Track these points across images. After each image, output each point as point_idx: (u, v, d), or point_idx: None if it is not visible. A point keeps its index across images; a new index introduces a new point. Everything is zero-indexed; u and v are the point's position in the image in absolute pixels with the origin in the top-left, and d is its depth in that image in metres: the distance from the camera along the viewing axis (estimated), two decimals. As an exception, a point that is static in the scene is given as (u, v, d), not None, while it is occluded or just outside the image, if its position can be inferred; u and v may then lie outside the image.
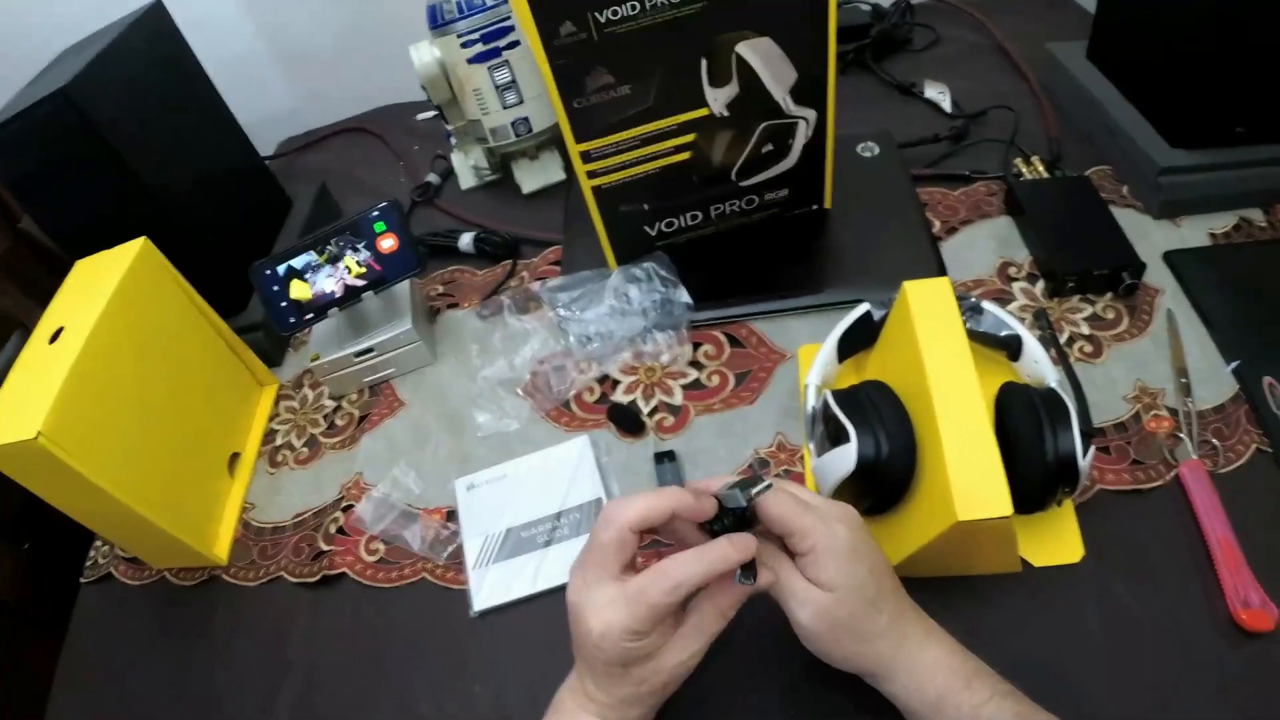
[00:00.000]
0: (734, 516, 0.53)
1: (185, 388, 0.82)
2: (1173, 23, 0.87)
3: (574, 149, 0.76)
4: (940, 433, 0.56)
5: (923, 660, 0.53)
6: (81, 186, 0.85)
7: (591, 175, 0.79)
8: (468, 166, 1.13)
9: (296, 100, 1.39)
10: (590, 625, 0.51)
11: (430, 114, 1.28)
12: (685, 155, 0.80)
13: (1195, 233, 0.89)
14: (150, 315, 0.79)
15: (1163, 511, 0.68)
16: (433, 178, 1.15)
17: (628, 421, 0.80)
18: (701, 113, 0.77)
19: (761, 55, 0.74)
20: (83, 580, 0.85)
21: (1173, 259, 0.86)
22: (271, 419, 0.93)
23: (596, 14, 0.67)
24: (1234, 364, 0.76)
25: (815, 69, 0.76)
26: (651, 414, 0.81)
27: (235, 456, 0.88)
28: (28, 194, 0.89)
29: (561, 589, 0.65)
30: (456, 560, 0.75)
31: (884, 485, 0.62)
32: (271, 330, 0.96)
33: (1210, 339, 0.79)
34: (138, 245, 0.79)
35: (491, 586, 0.71)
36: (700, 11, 0.69)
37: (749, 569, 0.51)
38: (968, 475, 0.54)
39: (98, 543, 0.88)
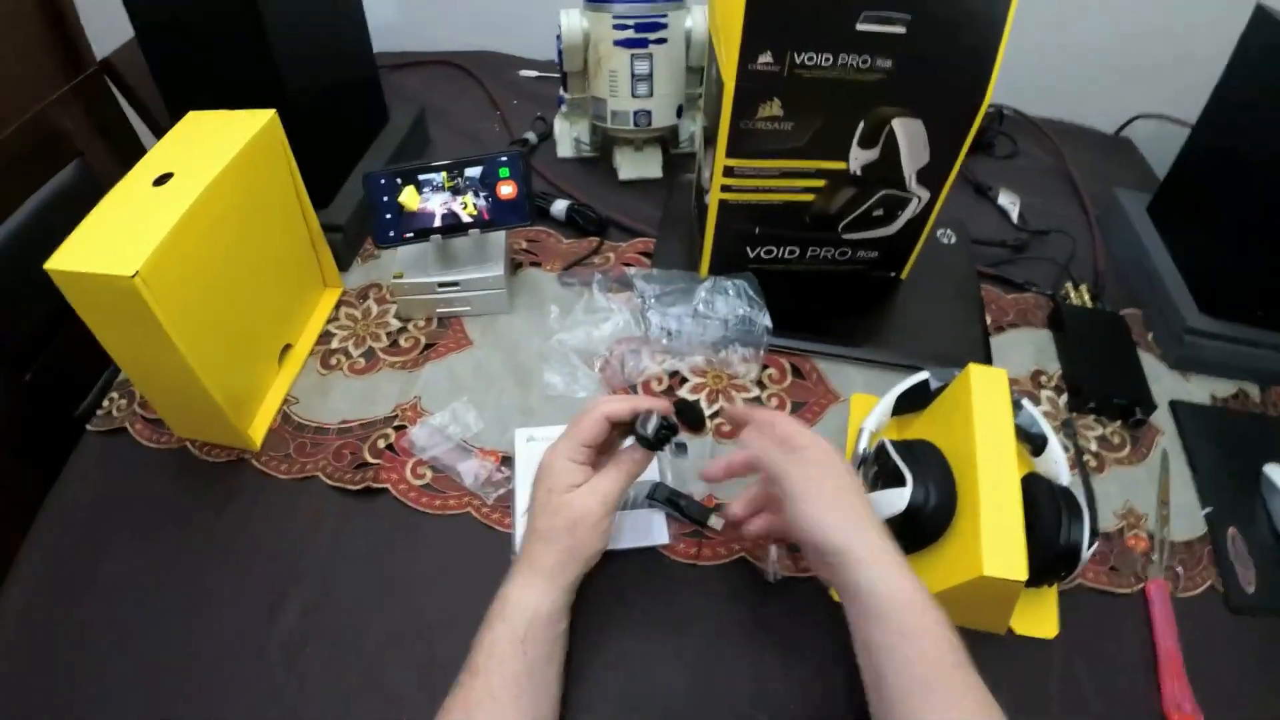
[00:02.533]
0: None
1: (266, 268, 0.82)
2: (1228, 210, 0.97)
3: (721, 161, 0.81)
4: (980, 497, 0.64)
5: (898, 565, 0.58)
6: (215, 41, 0.84)
7: (725, 189, 0.84)
8: (570, 137, 1.16)
9: (394, 17, 1.39)
10: (548, 460, 0.66)
11: (534, 73, 1.30)
12: (810, 196, 0.86)
13: (1200, 389, 0.98)
14: (260, 187, 0.79)
15: (1127, 615, 0.77)
16: (530, 136, 1.18)
17: (691, 415, 0.83)
18: (840, 165, 0.83)
19: (909, 134, 0.80)
20: (89, 427, 0.83)
21: (1177, 408, 0.95)
22: (330, 321, 0.93)
23: (795, 54, 0.73)
24: (1207, 509, 0.86)
25: (946, 158, 0.83)
26: (713, 416, 0.86)
27: (288, 348, 0.88)
28: (151, 32, 0.85)
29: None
30: (505, 504, 0.77)
31: (923, 529, 0.69)
32: (350, 235, 0.98)
33: (1193, 483, 0.88)
34: (267, 115, 0.78)
35: (537, 535, 0.75)
36: (879, 82, 0.75)
37: (682, 447, 0.68)
38: (997, 539, 0.63)
39: (114, 394, 0.85)
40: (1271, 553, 0.83)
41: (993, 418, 0.69)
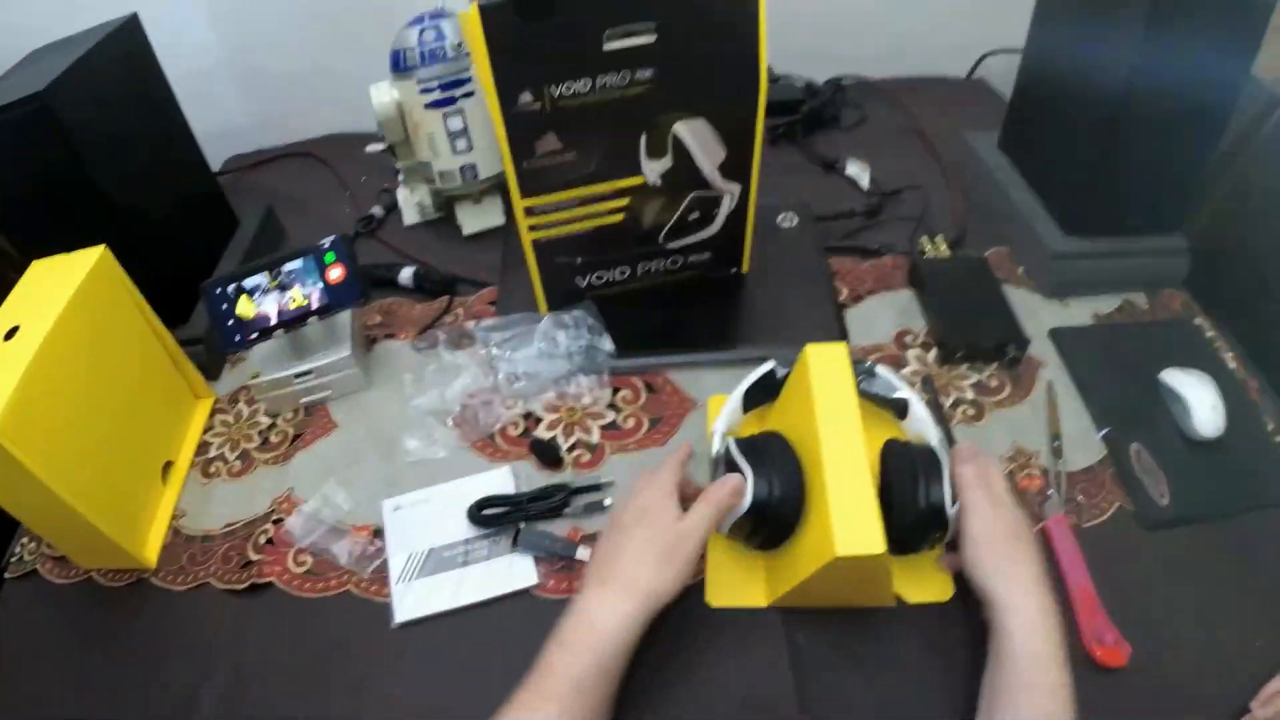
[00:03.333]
0: None
1: (128, 394, 0.84)
2: (1072, 124, 0.96)
3: (518, 203, 0.82)
4: (826, 480, 0.63)
5: (1045, 620, 0.62)
6: (41, 188, 0.86)
7: (532, 229, 0.85)
8: (413, 203, 1.17)
9: (246, 118, 1.41)
10: (649, 492, 0.70)
11: (379, 147, 1.32)
12: (619, 217, 0.87)
13: (1081, 312, 0.98)
14: (103, 321, 0.80)
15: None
16: (377, 210, 1.20)
17: (547, 455, 0.85)
18: (637, 181, 0.84)
19: (695, 134, 0.81)
20: (6, 575, 0.85)
21: (1057, 335, 0.95)
22: (206, 431, 0.95)
23: (552, 88, 0.74)
24: (1104, 431, 0.85)
25: (743, 149, 0.84)
26: (570, 449, 0.87)
27: (169, 465, 0.89)
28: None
29: (478, 605, 0.75)
30: (380, 574, 0.78)
31: (774, 523, 0.69)
32: (211, 345, 0.99)
33: (1085, 408, 0.88)
34: (96, 253, 0.80)
35: (414, 600, 0.76)
36: (644, 93, 0.76)
37: None
38: (848, 517, 0.61)
39: (24, 539, 0.87)
40: (1183, 458, 0.82)
41: (834, 394, 0.69)
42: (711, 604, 0.73)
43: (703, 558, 0.76)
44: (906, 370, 0.93)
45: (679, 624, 0.70)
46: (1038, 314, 0.98)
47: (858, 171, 1.19)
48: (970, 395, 0.90)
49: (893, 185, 1.16)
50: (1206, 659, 0.70)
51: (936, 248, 1.05)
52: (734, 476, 0.69)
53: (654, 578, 0.64)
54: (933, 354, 0.94)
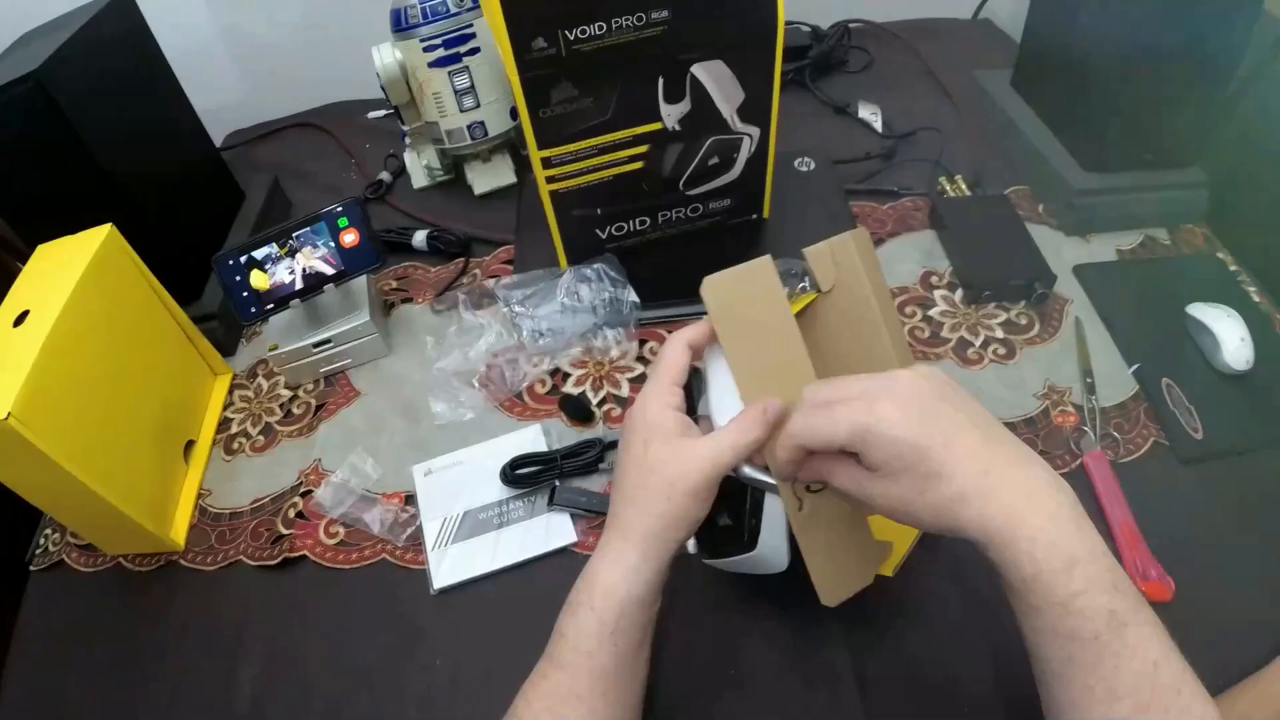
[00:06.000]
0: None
1: (144, 374, 0.83)
2: (1088, 60, 0.94)
3: (535, 155, 0.81)
4: None
5: (1021, 531, 0.45)
6: (43, 170, 0.85)
7: (550, 180, 0.84)
8: (420, 166, 1.15)
9: (246, 92, 1.39)
10: (638, 409, 0.57)
11: (381, 113, 1.30)
12: (638, 165, 0.85)
13: (1104, 249, 0.97)
14: (114, 301, 0.79)
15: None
16: (385, 175, 1.18)
17: (578, 411, 0.84)
18: (655, 127, 0.82)
19: (713, 76, 0.79)
20: (32, 568, 0.84)
21: (1081, 272, 0.94)
22: (226, 408, 0.94)
23: (566, 32, 0.72)
24: (1135, 366, 0.84)
25: (761, 91, 0.82)
26: (600, 404, 0.86)
27: (190, 444, 0.88)
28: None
29: (517, 566, 0.74)
30: (415, 542, 0.78)
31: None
32: (227, 320, 0.97)
33: (1114, 344, 0.87)
34: (104, 231, 0.79)
35: (451, 565, 0.75)
36: (661, 34, 0.74)
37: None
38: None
39: (48, 530, 0.86)
40: (1213, 392, 0.82)
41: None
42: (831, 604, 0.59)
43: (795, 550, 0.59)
44: (935, 311, 0.92)
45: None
46: (1060, 251, 0.97)
47: (870, 115, 1.17)
48: (1000, 334, 0.89)
49: (906, 128, 1.15)
50: (1249, 590, 0.70)
51: (956, 188, 1.04)
52: (774, 402, 0.54)
53: (652, 520, 0.54)
54: (959, 294, 0.93)
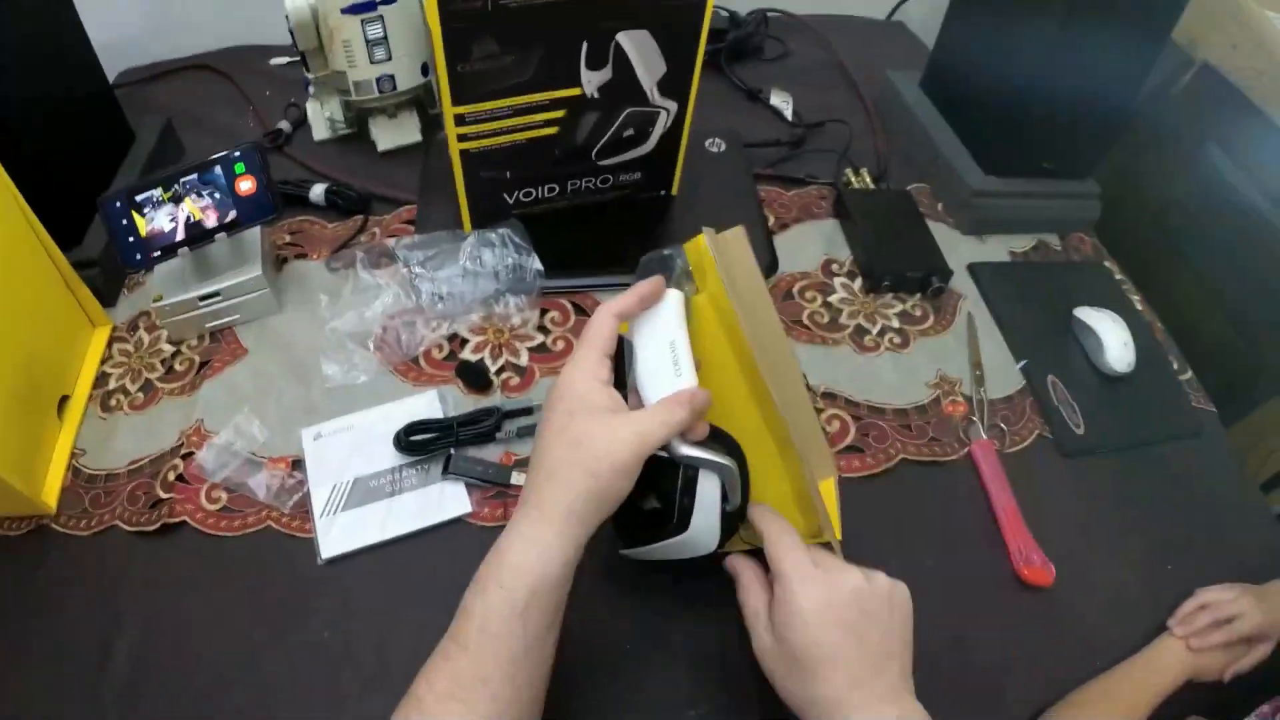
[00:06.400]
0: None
1: (16, 321, 0.76)
2: (993, 71, 0.98)
3: (449, 111, 0.78)
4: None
5: None
6: None
7: (462, 139, 0.81)
8: (323, 118, 1.10)
9: (147, 29, 1.29)
10: (567, 378, 0.55)
11: (285, 59, 1.24)
12: (552, 130, 0.83)
13: (997, 249, 1.02)
14: None
15: (956, 483, 0.79)
16: (284, 125, 1.12)
17: (475, 378, 0.82)
18: (574, 92, 0.80)
19: (638, 46, 0.78)
20: None
21: (975, 270, 0.98)
22: (104, 361, 0.87)
23: (493, -17, 0.70)
24: (1023, 363, 0.88)
25: (683, 65, 0.81)
26: (498, 373, 0.84)
27: (64, 400, 0.82)
28: None
29: (409, 536, 0.72)
30: (303, 509, 0.74)
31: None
32: (108, 268, 0.91)
33: (1004, 340, 0.91)
34: None
35: (340, 534, 0.72)
36: (589, -2, 0.73)
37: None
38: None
39: None
40: (1095, 391, 0.87)
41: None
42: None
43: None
44: (834, 298, 0.94)
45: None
46: (957, 248, 1.00)
47: (781, 102, 1.18)
48: (896, 324, 0.92)
49: (816, 118, 1.16)
50: (1125, 579, 0.74)
51: (861, 180, 1.06)
52: (702, 391, 0.55)
53: (574, 497, 0.52)
54: (858, 283, 0.96)
